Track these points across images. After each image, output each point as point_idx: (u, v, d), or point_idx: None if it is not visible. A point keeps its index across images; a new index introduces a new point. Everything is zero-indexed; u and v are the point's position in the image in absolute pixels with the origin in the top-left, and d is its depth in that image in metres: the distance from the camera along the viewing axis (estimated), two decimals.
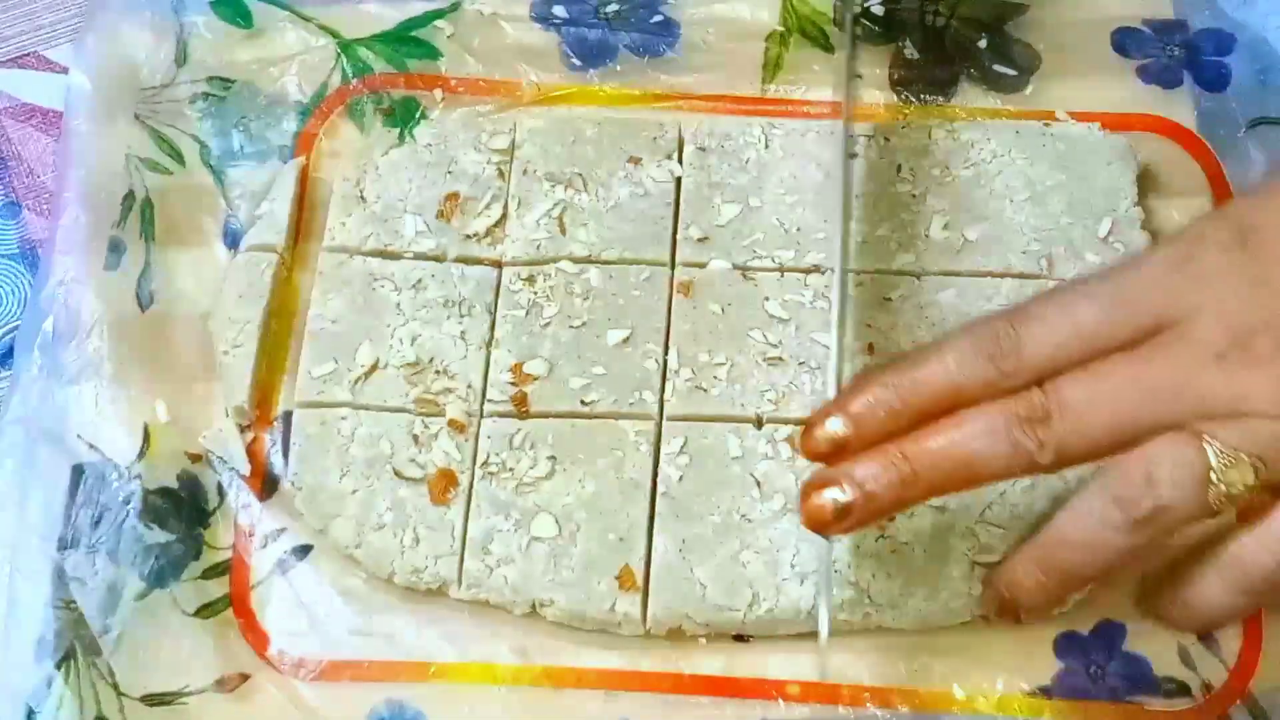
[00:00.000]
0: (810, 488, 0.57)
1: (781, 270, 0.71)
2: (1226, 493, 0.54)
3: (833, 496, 0.56)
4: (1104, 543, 0.57)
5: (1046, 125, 0.74)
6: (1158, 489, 0.55)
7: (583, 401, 0.68)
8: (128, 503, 0.68)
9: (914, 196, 0.72)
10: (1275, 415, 0.54)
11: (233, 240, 0.73)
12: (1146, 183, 0.73)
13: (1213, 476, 0.54)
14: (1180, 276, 0.56)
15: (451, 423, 0.68)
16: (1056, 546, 0.59)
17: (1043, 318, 0.56)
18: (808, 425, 0.58)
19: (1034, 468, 0.56)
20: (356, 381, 0.69)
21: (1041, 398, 0.55)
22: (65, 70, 0.77)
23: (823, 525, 0.57)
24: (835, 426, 0.57)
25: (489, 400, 0.69)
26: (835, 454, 0.57)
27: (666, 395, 0.68)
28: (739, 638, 0.66)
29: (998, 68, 0.76)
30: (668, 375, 0.69)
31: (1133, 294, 0.56)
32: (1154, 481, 0.55)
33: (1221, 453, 0.54)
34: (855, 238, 0.71)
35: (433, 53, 0.77)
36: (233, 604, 0.67)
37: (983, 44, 0.77)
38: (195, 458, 0.69)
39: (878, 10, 0.77)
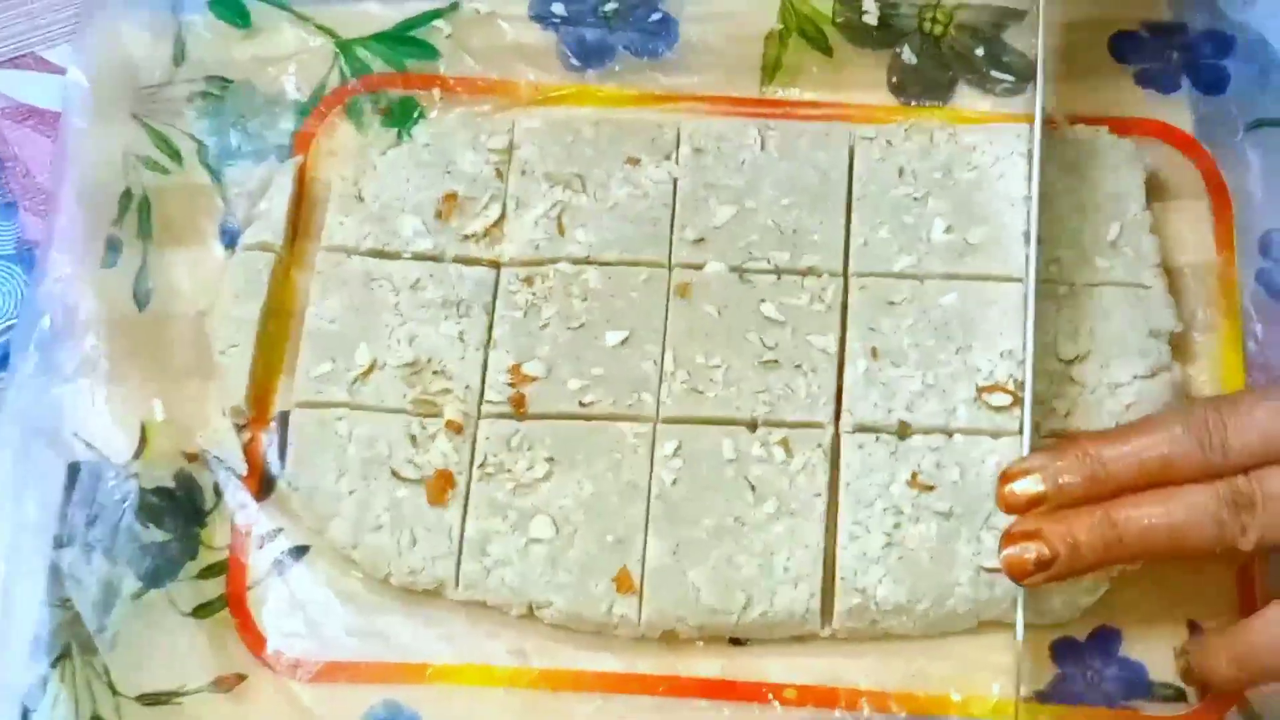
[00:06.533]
0: (1013, 538, 0.61)
1: (778, 272, 0.70)
2: None
3: (1038, 550, 0.60)
4: None
5: (1054, 129, 0.74)
6: None
7: (581, 403, 0.68)
8: (124, 501, 0.68)
9: (915, 199, 0.72)
10: None
11: (230, 239, 0.73)
12: (1146, 187, 0.73)
13: None
14: None
15: (449, 424, 0.68)
16: (1258, 648, 0.61)
17: (1251, 413, 0.60)
18: (1006, 477, 0.62)
19: (1234, 551, 0.59)
20: (354, 382, 0.69)
21: (1248, 485, 0.59)
22: (63, 71, 0.76)
23: (1022, 574, 0.60)
24: (1036, 486, 0.61)
25: (487, 401, 0.69)
26: (1029, 508, 0.61)
27: (662, 397, 0.68)
28: (735, 641, 0.66)
29: (995, 73, 0.76)
30: (663, 377, 0.69)
31: None
32: None
33: None
34: (857, 240, 0.71)
35: (431, 52, 0.77)
36: (229, 604, 0.67)
37: (980, 51, 0.76)
38: (192, 457, 0.69)
39: (871, 20, 0.77)
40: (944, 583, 0.65)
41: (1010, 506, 0.61)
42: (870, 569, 0.66)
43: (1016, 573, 0.60)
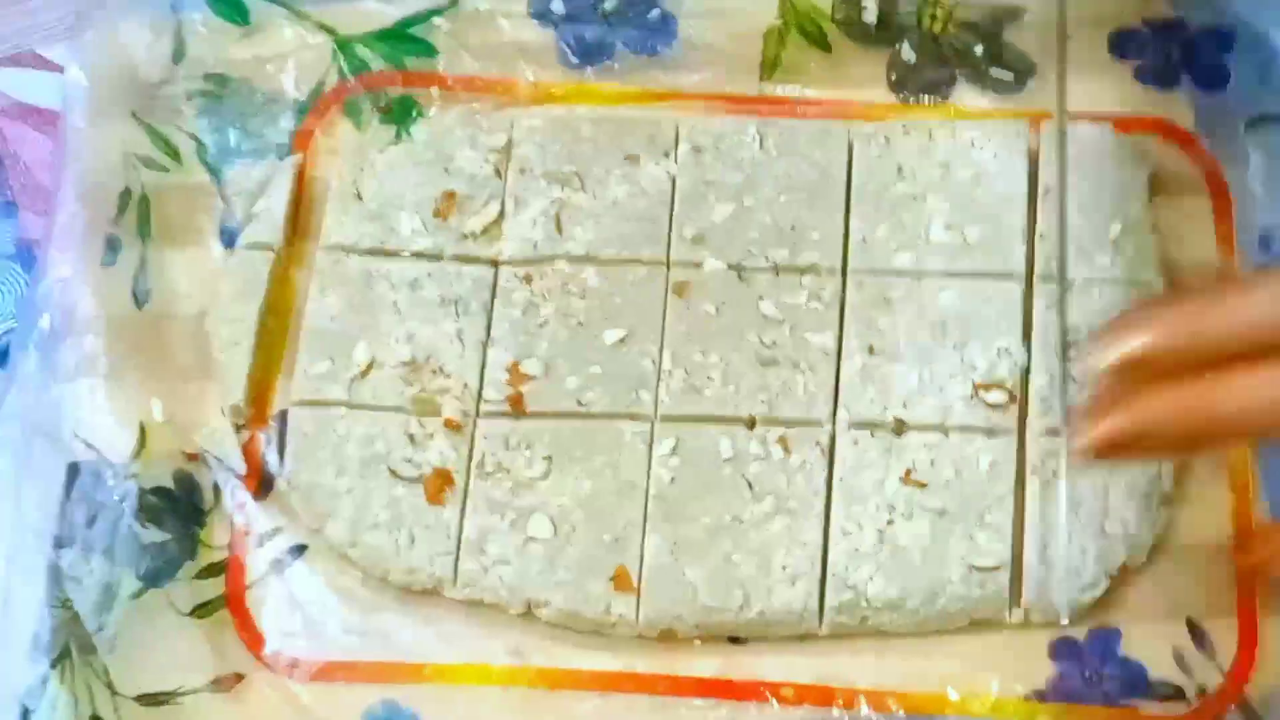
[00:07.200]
0: (1095, 411, 0.53)
1: (776, 270, 0.70)
2: None
3: (1119, 424, 0.52)
4: None
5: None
6: None
7: (579, 401, 0.68)
8: (123, 501, 0.68)
9: (914, 197, 0.72)
10: None
11: (229, 238, 0.73)
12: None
13: None
14: None
15: (447, 422, 0.68)
16: None
17: None
18: (1097, 339, 0.53)
19: None
20: (353, 380, 0.69)
21: None
22: (62, 69, 0.76)
23: (1104, 451, 0.53)
24: (1128, 348, 0.52)
25: (485, 400, 0.69)
26: (1121, 374, 0.53)
27: (660, 395, 0.68)
28: (733, 639, 0.66)
29: (995, 70, 0.76)
30: (661, 376, 0.69)
31: None
32: None
33: None
34: (856, 237, 0.71)
35: (430, 50, 0.76)
36: (228, 603, 0.67)
37: (979, 48, 0.76)
38: (191, 456, 0.69)
39: (870, 17, 0.76)
40: (935, 580, 0.65)
41: (1100, 372, 0.53)
42: (861, 565, 0.65)
43: (1101, 449, 0.52)
